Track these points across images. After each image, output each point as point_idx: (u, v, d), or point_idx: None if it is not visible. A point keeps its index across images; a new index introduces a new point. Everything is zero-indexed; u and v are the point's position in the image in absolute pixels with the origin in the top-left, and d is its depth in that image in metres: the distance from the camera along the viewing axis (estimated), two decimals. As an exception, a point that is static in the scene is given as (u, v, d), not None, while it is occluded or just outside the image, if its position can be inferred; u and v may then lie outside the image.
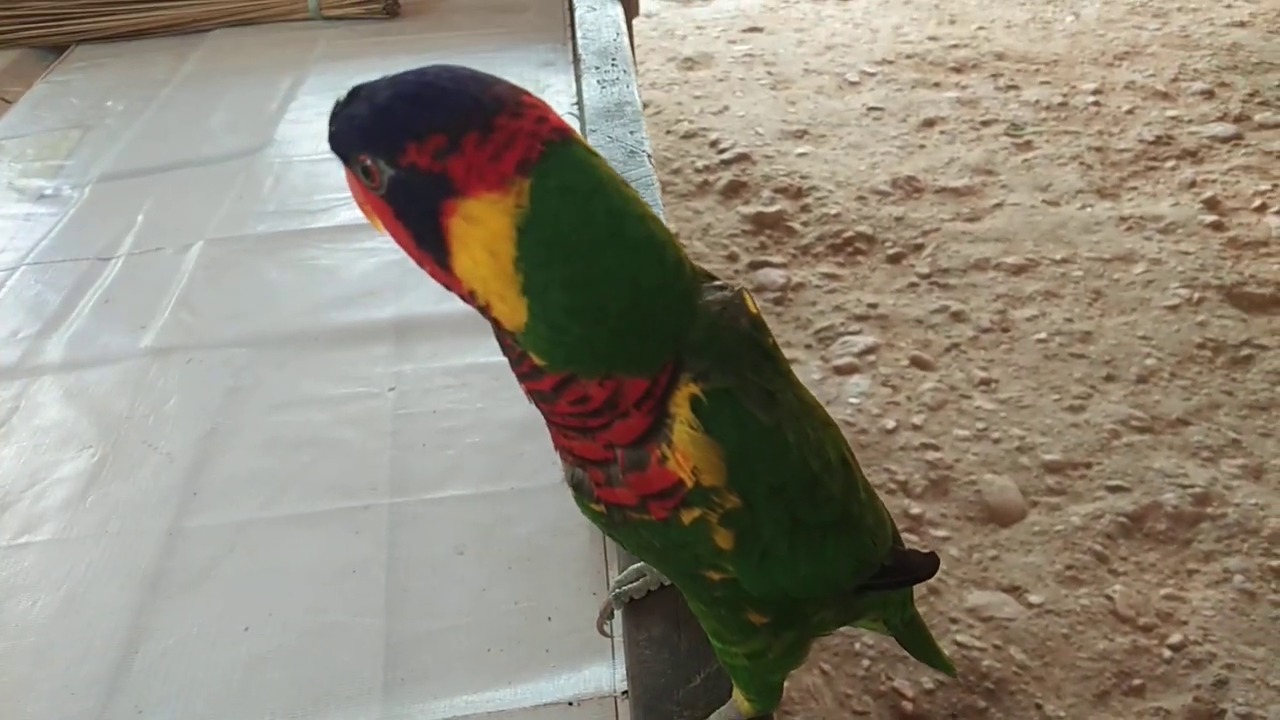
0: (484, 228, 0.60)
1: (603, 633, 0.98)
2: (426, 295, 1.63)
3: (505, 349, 0.68)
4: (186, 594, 1.16)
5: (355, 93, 0.63)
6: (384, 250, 1.74)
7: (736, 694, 0.84)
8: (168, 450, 1.36)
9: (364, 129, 0.61)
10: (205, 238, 1.78)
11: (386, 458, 1.33)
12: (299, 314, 1.61)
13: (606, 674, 1.01)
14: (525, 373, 0.68)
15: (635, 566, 0.93)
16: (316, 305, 1.63)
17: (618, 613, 0.95)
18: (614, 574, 1.12)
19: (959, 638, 2.10)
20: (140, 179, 1.98)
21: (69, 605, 1.15)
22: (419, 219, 0.62)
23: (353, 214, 1.84)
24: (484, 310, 0.65)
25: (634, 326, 0.65)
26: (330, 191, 1.89)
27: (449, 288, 0.66)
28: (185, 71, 2.39)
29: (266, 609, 1.13)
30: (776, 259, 3.29)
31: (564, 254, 0.62)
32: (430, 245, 0.63)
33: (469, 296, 0.64)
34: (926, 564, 0.84)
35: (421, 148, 0.59)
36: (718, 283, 0.72)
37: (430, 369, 1.48)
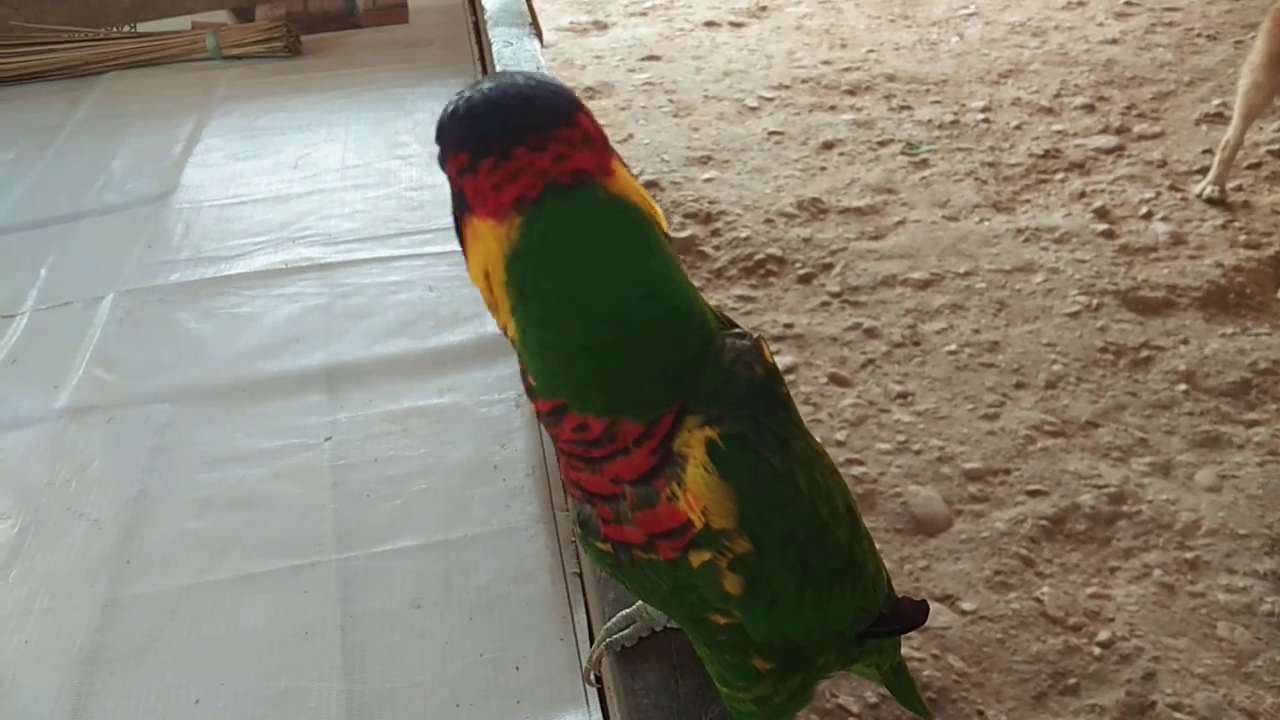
0: (484, 246, 0.63)
1: (590, 683, 0.96)
2: (357, 340, 1.59)
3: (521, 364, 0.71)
4: (129, 668, 1.10)
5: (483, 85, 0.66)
6: (308, 295, 1.69)
7: (742, 740, 0.83)
8: (95, 516, 1.29)
9: (438, 128, 0.66)
10: (116, 289, 1.71)
11: (330, 512, 1.28)
12: (223, 365, 1.55)
13: (583, 721, 0.99)
14: (528, 389, 0.70)
15: (624, 613, 0.91)
16: (241, 355, 1.57)
17: (606, 661, 0.93)
18: (580, 618, 1.10)
19: (898, 650, 2.14)
20: (40, 230, 1.89)
21: (-1, 690, 1.08)
22: (456, 217, 0.67)
23: (271, 258, 1.80)
24: (492, 312, 0.68)
25: (606, 383, 0.65)
26: (246, 236, 1.84)
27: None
28: (80, 116, 2.30)
29: (217, 679, 1.08)
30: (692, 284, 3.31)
31: (536, 296, 0.63)
32: (460, 242, 0.67)
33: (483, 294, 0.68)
34: (919, 611, 0.85)
35: (454, 161, 0.64)
36: (737, 330, 0.72)
37: (367, 416, 1.44)
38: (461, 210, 0.65)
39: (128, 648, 1.12)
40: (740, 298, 3.25)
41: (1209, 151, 3.68)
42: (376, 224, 1.84)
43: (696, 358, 0.67)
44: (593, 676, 0.96)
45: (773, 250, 3.43)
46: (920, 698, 1.05)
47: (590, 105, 4.24)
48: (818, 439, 2.67)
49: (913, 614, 0.85)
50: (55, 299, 1.71)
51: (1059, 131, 4.02)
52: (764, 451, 0.67)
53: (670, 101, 4.48)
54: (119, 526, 1.27)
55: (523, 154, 0.61)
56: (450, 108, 0.65)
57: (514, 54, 1.98)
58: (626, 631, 0.90)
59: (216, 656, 1.10)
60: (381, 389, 1.48)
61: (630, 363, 0.65)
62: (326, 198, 1.93)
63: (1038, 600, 2.21)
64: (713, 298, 3.23)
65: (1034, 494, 2.47)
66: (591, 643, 1.02)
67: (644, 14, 5.48)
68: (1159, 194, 3.58)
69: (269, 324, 1.63)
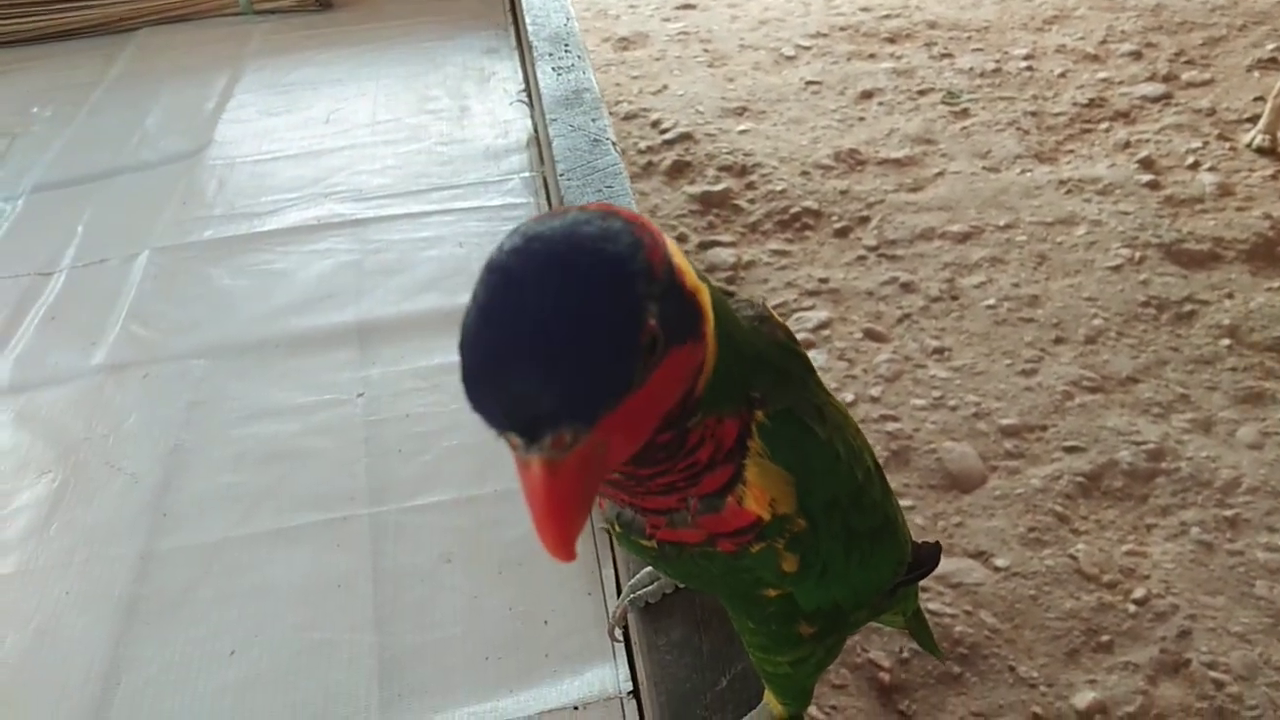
0: (691, 278, 0.57)
1: (614, 639, 0.97)
2: (387, 296, 1.59)
3: (651, 449, 0.60)
4: (165, 620, 1.12)
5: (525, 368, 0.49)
6: (339, 251, 1.70)
7: (769, 697, 0.84)
8: (132, 471, 1.31)
9: (623, 332, 0.51)
10: (151, 246, 1.73)
11: (362, 466, 1.30)
12: (256, 321, 1.57)
13: (610, 675, 1.00)
14: (662, 456, 0.61)
15: (648, 570, 0.91)
16: (274, 311, 1.59)
17: (631, 617, 0.93)
18: (608, 573, 1.11)
19: (931, 605, 2.13)
20: (77, 188, 1.91)
21: (41, 640, 1.11)
22: (683, 314, 0.56)
23: (303, 214, 1.80)
24: (691, 390, 0.58)
25: (742, 351, 0.63)
26: (278, 192, 1.84)
27: (688, 388, 0.58)
28: (114, 73, 2.31)
29: (251, 630, 1.10)
30: (726, 238, 3.28)
31: (725, 315, 0.60)
32: (694, 329, 0.57)
33: (699, 370, 0.58)
34: (934, 554, 0.85)
35: (652, 268, 0.53)
36: (736, 297, 0.71)
37: (398, 371, 1.45)
38: (683, 286, 0.56)
39: (164, 599, 1.14)
40: (775, 252, 3.21)
41: (1260, 99, 3.56)
42: (407, 179, 1.84)
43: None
44: (616, 632, 0.97)
45: (809, 203, 3.39)
46: (933, 636, 1.06)
47: (624, 56, 4.15)
48: (852, 395, 2.62)
49: (930, 556, 0.85)
50: (92, 256, 1.73)
51: (1104, 79, 3.91)
52: (808, 421, 0.66)
53: (705, 51, 4.41)
54: (155, 480, 1.29)
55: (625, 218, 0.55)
56: (592, 338, 0.49)
57: (544, 5, 1.95)
58: (650, 588, 0.91)
59: (250, 608, 1.13)
60: (412, 345, 1.49)
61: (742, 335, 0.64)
62: (357, 153, 1.93)
63: (1072, 557, 2.19)
64: (747, 252, 3.21)
65: (1071, 450, 2.44)
66: (619, 597, 1.02)
67: (679, -38, 5.38)
68: (1206, 143, 3.48)
69: (301, 280, 1.64)
